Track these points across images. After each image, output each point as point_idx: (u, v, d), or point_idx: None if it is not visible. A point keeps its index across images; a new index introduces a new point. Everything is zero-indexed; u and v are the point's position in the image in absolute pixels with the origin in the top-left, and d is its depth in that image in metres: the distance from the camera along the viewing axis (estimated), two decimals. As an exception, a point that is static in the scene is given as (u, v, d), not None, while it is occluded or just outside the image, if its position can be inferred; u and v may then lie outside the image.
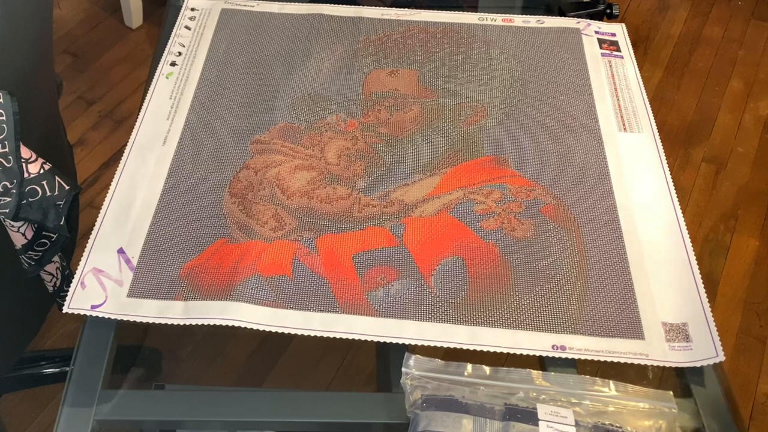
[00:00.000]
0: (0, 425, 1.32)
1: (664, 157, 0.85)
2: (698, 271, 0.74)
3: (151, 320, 0.69)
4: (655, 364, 0.67)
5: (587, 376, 0.65)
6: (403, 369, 0.65)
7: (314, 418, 0.66)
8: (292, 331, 0.68)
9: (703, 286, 0.73)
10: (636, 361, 0.67)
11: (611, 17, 1.07)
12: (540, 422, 0.60)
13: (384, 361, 0.72)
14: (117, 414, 0.65)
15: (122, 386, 0.68)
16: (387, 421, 0.65)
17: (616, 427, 0.61)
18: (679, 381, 0.68)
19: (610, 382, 0.65)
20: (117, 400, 0.66)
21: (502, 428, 0.60)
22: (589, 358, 0.67)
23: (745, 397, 1.43)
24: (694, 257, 0.75)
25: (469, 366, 0.66)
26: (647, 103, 0.91)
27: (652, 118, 0.89)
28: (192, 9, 1.02)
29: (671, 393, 0.64)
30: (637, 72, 0.96)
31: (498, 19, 1.02)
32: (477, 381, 0.65)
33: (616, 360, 0.67)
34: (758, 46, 2.17)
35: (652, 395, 0.64)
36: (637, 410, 0.63)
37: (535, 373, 0.65)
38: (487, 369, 0.66)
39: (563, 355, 0.67)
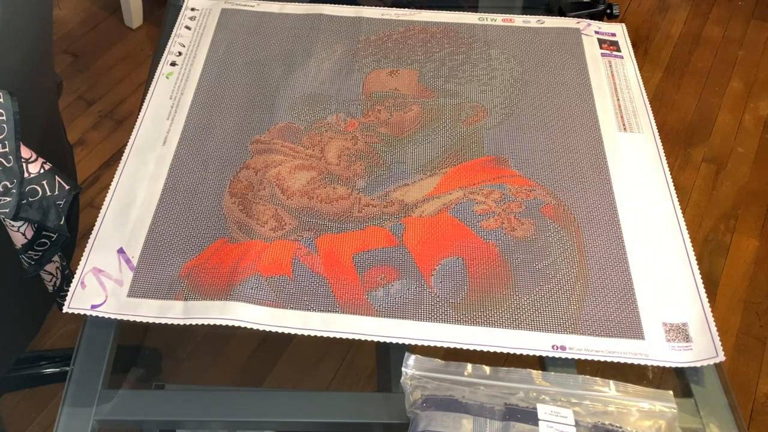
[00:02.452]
0: (0, 425, 1.32)
1: (664, 157, 0.85)
2: (698, 271, 0.74)
3: (151, 320, 0.69)
4: (655, 364, 0.67)
5: (587, 376, 0.65)
6: (403, 369, 0.65)
7: (314, 418, 0.66)
8: (292, 331, 0.68)
9: (703, 286, 0.73)
10: (636, 361, 0.67)
11: (611, 17, 1.07)
12: (540, 422, 0.60)
13: (384, 361, 0.72)
14: (117, 414, 0.65)
15: (122, 386, 0.68)
16: (387, 421, 0.65)
17: (616, 427, 0.61)
18: (679, 381, 0.68)
19: (610, 382, 0.65)
20: (117, 400, 0.66)
21: (502, 428, 0.60)
22: (589, 358, 0.67)
23: (745, 397, 1.43)
24: (695, 257, 0.75)
25: (469, 366, 0.66)
26: (647, 103, 0.91)
27: (652, 118, 0.89)
28: (192, 9, 1.02)
29: (671, 393, 0.64)
30: (637, 72, 0.96)
31: (498, 19, 1.02)
32: (477, 381, 0.65)
33: (616, 360, 0.67)
34: (758, 46, 2.17)
35: (652, 395, 0.64)
36: (637, 410, 0.63)
37: (535, 373, 0.65)
38: (487, 369, 0.66)
39: (563, 355, 0.67)
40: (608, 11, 1.07)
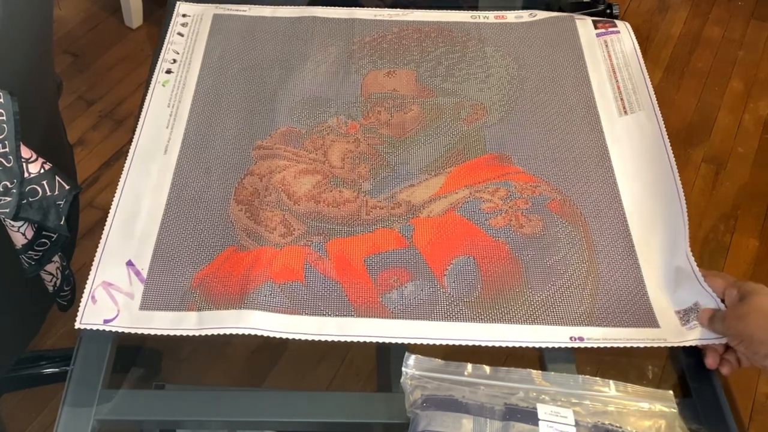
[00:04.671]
0: (0, 425, 1.32)
1: (665, 132, 0.85)
2: (691, 253, 0.74)
3: (165, 332, 0.68)
4: (674, 345, 0.68)
5: (587, 376, 0.65)
6: (403, 369, 0.65)
7: (314, 418, 0.66)
8: (309, 337, 0.68)
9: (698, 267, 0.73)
10: (655, 345, 0.68)
11: (611, 17, 1.07)
12: (540, 422, 0.60)
13: (384, 361, 0.72)
14: (117, 414, 0.65)
15: (122, 386, 0.68)
16: (387, 421, 0.65)
17: (616, 427, 0.61)
18: (679, 381, 0.68)
19: (610, 382, 0.65)
20: (117, 400, 0.66)
21: (502, 428, 0.60)
22: (608, 345, 0.67)
23: (745, 397, 1.43)
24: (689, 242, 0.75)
25: (470, 366, 0.66)
26: (647, 76, 0.91)
27: (652, 92, 0.89)
28: (183, 15, 1.00)
29: (671, 393, 0.64)
30: (635, 43, 0.95)
31: (490, 16, 1.01)
32: (477, 381, 0.65)
33: (635, 345, 0.68)
34: (758, 46, 2.17)
35: (652, 395, 0.64)
36: (637, 410, 0.63)
37: (535, 373, 0.65)
38: (487, 369, 0.66)
39: (582, 346, 0.68)
40: (608, 11, 1.07)
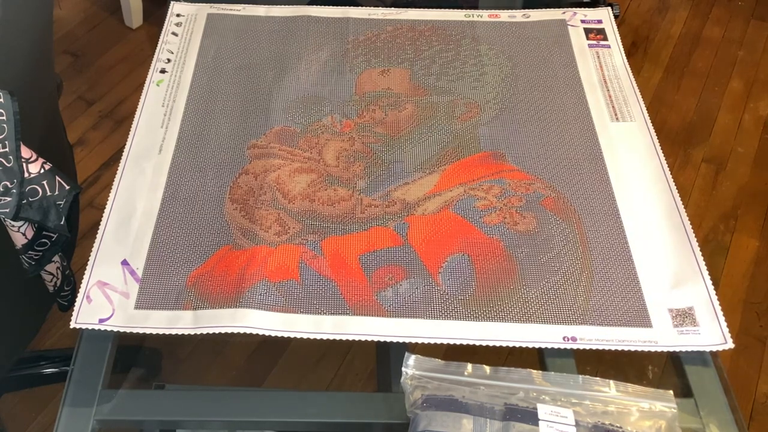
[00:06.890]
0: (0, 425, 1.32)
1: (658, 144, 0.85)
2: (700, 254, 0.75)
3: (160, 332, 0.68)
4: (665, 350, 0.68)
5: (587, 376, 0.65)
6: (403, 369, 0.65)
7: (314, 418, 0.66)
8: (305, 336, 0.68)
9: (706, 267, 0.73)
10: (646, 349, 0.68)
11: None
12: (540, 422, 0.60)
13: (384, 361, 0.72)
14: (117, 414, 0.65)
15: (122, 386, 0.68)
16: (387, 421, 0.65)
17: (616, 427, 0.61)
18: (679, 381, 0.68)
19: (611, 382, 0.65)
20: (117, 400, 0.66)
21: (502, 428, 0.60)
22: (600, 347, 0.68)
23: (745, 397, 1.43)
24: (696, 240, 0.76)
25: (470, 366, 0.66)
26: (637, 92, 0.91)
27: (643, 106, 0.90)
28: (177, 15, 1.01)
29: (671, 393, 0.64)
30: (625, 61, 0.96)
31: (484, 15, 1.02)
32: (477, 381, 0.65)
33: (626, 349, 0.68)
34: (758, 46, 2.17)
35: (652, 395, 0.64)
36: (637, 410, 0.63)
37: (535, 373, 0.65)
38: (487, 369, 0.66)
39: (575, 346, 0.68)
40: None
